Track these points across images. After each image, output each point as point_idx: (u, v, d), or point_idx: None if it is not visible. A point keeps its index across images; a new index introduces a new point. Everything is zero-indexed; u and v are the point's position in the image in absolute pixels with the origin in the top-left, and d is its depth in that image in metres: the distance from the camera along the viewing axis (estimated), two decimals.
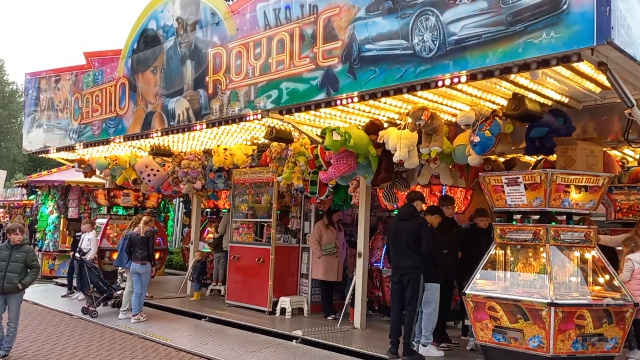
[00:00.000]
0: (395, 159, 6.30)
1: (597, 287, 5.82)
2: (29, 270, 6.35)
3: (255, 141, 9.33)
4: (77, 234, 11.19)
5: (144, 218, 9.14)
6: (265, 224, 9.66)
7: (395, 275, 6.69)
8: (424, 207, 7.03)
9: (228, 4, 7.55)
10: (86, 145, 10.19)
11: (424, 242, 6.42)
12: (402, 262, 6.60)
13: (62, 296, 11.02)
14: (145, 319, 8.73)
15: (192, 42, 7.83)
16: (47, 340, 7.39)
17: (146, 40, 8.76)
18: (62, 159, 12.21)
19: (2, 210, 34.05)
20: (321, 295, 9.21)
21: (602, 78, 5.30)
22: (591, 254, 5.86)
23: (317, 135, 7.43)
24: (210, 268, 11.60)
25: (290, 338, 7.62)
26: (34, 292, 10.55)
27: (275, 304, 9.10)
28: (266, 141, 8.46)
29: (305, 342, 7.43)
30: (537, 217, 6.08)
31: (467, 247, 7.18)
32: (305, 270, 9.43)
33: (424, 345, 6.65)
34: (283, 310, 8.98)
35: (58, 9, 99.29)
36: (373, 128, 6.82)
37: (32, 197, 20.33)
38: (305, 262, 9.45)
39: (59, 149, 11.09)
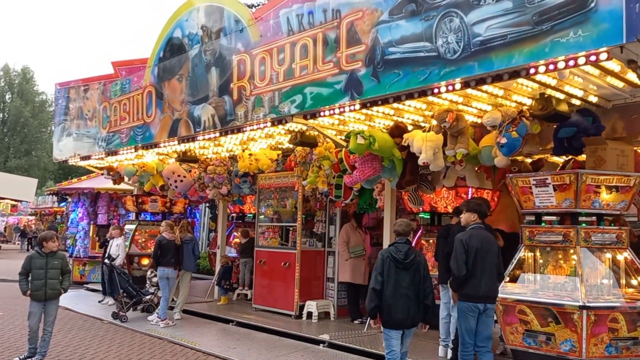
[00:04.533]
0: (421, 161, 6.28)
1: (631, 290, 5.70)
2: (62, 275, 6.57)
3: (279, 146, 9.39)
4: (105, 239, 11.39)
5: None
6: (291, 228, 9.70)
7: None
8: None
9: (251, 11, 7.64)
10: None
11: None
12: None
13: (99, 301, 11.15)
14: (174, 323, 8.85)
15: (217, 49, 7.94)
16: (79, 344, 7.54)
17: (172, 48, 8.91)
18: (92, 166, 12.48)
19: (34, 217, 34.93)
20: (347, 299, 9.19)
21: (631, 76, 5.19)
22: (623, 256, 5.74)
23: (341, 139, 7.44)
24: (236, 272, 11.68)
25: (317, 342, 7.62)
26: (66, 298, 10.68)
27: (301, 308, 9.12)
28: (291, 146, 8.51)
29: (332, 346, 7.42)
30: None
31: None
32: (331, 274, 9.44)
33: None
34: (309, 314, 8.99)
35: (86, 20, 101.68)
36: (397, 131, 6.80)
37: (62, 204, 20.80)
38: (331, 265, 9.46)
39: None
